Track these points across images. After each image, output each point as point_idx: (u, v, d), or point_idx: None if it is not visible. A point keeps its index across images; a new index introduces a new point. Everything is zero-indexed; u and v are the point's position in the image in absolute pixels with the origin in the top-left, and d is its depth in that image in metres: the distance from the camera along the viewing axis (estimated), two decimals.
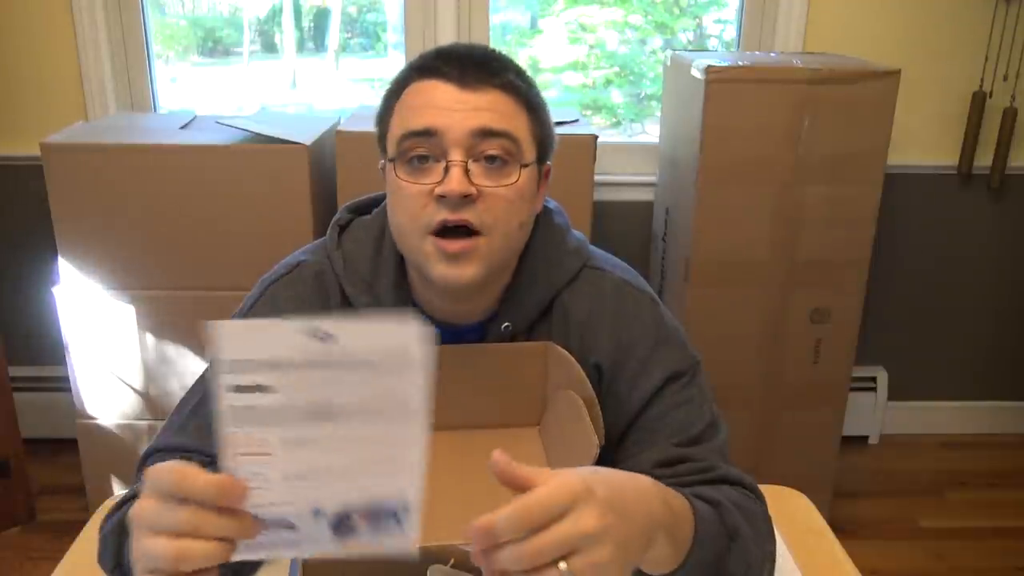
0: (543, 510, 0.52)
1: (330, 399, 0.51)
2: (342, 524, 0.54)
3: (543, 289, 0.90)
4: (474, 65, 0.82)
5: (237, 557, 0.53)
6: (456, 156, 0.79)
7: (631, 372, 0.88)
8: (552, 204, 0.95)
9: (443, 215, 0.79)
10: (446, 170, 0.79)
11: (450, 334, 0.90)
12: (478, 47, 0.85)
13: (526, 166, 0.83)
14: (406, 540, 0.55)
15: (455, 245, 0.80)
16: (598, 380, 0.89)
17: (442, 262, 0.80)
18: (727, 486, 0.83)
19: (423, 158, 0.81)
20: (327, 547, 0.54)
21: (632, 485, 0.61)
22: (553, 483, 0.53)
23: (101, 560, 0.77)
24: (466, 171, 0.79)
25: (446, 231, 0.80)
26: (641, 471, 0.73)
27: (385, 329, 0.51)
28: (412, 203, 0.81)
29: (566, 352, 0.86)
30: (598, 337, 0.89)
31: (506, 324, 0.89)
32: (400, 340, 0.51)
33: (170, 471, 0.51)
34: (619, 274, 0.93)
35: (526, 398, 0.90)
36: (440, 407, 0.87)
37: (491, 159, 0.80)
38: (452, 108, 0.80)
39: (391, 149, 0.83)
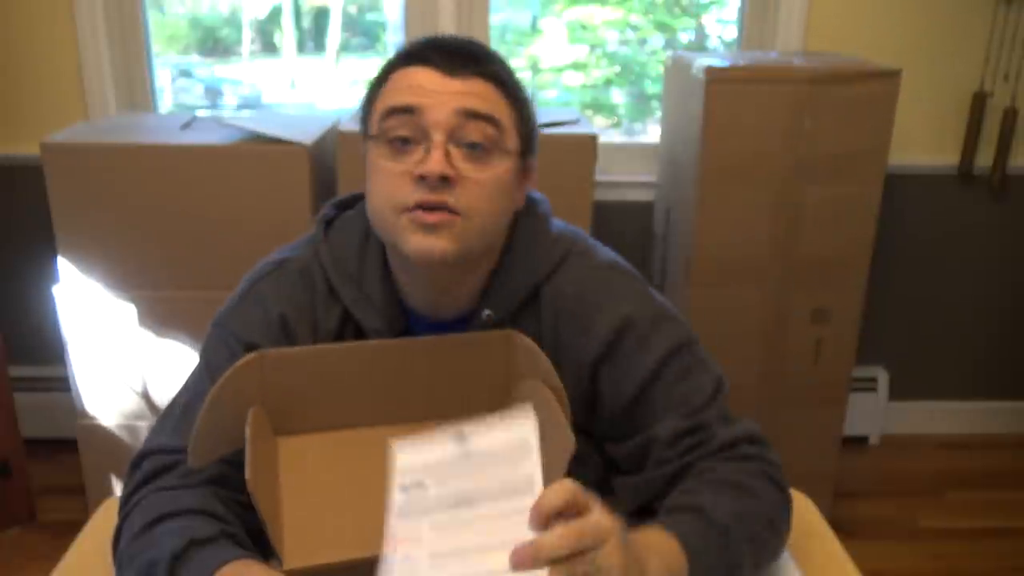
0: (594, 536, 0.60)
1: (468, 488, 0.63)
2: None
3: (523, 276, 0.89)
4: (460, 54, 0.82)
5: None
6: (438, 137, 0.79)
7: (629, 349, 0.88)
8: (536, 195, 0.95)
9: (421, 195, 0.79)
10: (427, 151, 0.79)
11: (435, 328, 0.90)
12: (466, 39, 0.86)
13: (508, 153, 0.83)
14: None
15: (433, 216, 0.79)
16: (596, 360, 0.88)
17: (418, 232, 0.80)
18: (725, 456, 0.86)
19: (404, 140, 0.81)
20: None
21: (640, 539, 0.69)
22: (601, 513, 0.62)
23: None
24: (447, 154, 0.79)
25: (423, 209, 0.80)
26: (644, 447, 0.87)
27: (506, 425, 0.64)
28: (390, 184, 0.81)
29: (532, 342, 0.85)
30: (592, 318, 0.88)
31: (487, 312, 0.88)
32: (519, 432, 0.63)
33: None
34: (604, 257, 0.93)
35: (488, 388, 0.88)
36: (401, 400, 0.87)
37: (472, 145, 0.81)
38: (436, 90, 0.80)
39: (373, 128, 0.83)
